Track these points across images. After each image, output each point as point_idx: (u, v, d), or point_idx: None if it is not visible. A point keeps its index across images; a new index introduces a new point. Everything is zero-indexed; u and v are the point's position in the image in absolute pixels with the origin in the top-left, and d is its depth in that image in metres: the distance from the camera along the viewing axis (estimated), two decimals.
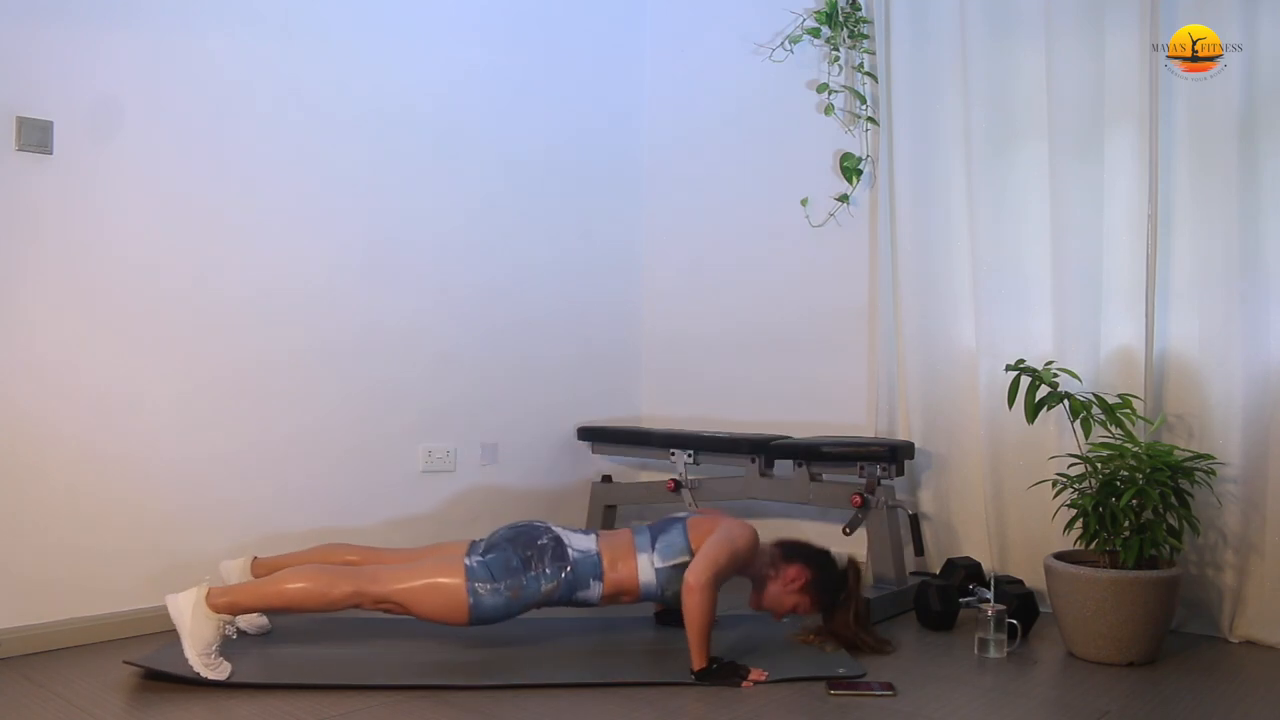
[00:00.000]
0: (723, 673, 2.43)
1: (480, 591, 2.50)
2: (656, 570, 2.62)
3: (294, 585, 2.43)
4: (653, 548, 2.64)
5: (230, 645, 2.46)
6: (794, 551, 2.73)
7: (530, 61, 3.88)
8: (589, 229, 4.11)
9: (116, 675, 2.42)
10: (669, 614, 2.92)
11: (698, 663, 2.43)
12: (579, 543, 2.65)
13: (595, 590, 2.62)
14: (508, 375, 3.79)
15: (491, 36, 3.75)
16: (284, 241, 3.16)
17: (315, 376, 3.23)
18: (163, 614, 2.38)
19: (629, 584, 2.62)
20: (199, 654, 2.32)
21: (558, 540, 2.62)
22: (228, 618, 2.38)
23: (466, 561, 2.54)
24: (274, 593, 2.43)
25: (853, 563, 2.75)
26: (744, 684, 2.41)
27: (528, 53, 3.88)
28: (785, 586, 2.68)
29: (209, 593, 2.37)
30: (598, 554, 2.63)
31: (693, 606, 2.43)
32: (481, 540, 2.68)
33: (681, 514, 2.77)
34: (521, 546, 2.59)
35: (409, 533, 3.46)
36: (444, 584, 2.50)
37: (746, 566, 2.63)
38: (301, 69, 3.19)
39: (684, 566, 2.56)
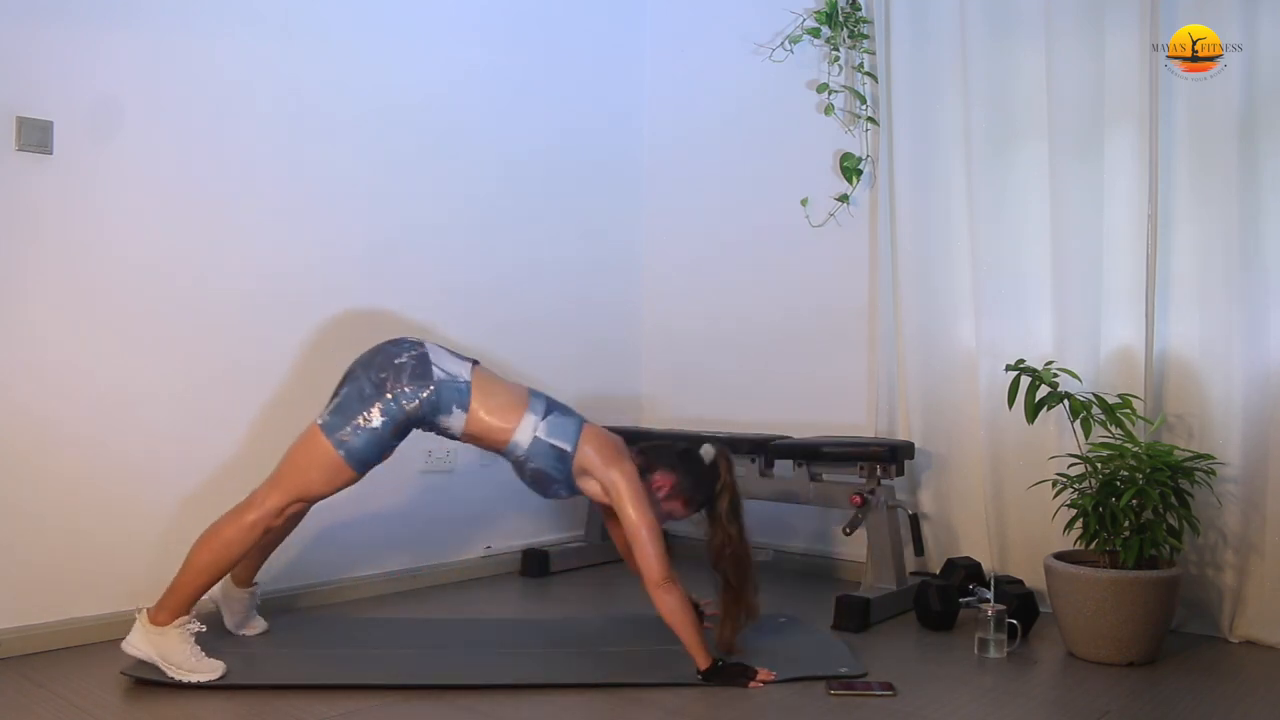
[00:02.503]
0: (730, 672, 2.41)
1: (345, 439, 2.39)
2: (535, 438, 2.48)
3: (202, 557, 2.37)
4: (544, 417, 2.51)
5: (228, 645, 2.47)
6: (655, 458, 2.59)
7: (530, 61, 3.88)
8: (589, 229, 4.12)
9: (116, 675, 2.41)
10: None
11: (701, 662, 2.41)
12: (449, 365, 2.49)
13: (457, 420, 2.47)
14: (508, 375, 3.78)
15: (491, 36, 3.76)
16: (284, 241, 3.16)
17: (315, 376, 3.22)
18: None
19: (498, 434, 2.48)
20: (179, 667, 2.31)
21: (421, 358, 2.46)
22: (183, 620, 2.35)
23: (319, 420, 2.43)
24: (191, 575, 2.36)
25: (721, 452, 2.61)
26: (751, 684, 2.40)
27: (528, 52, 3.88)
28: (654, 494, 2.54)
29: (147, 616, 2.35)
30: (467, 383, 2.48)
31: (668, 606, 2.38)
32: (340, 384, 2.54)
33: (576, 413, 2.60)
34: (376, 369, 2.44)
35: (409, 532, 3.47)
36: (312, 453, 2.40)
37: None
38: (301, 69, 3.19)
39: (561, 453, 2.47)
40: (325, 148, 3.26)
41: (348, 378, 2.51)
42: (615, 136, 4.25)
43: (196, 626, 2.39)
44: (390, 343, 2.53)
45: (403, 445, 3.43)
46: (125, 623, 2.73)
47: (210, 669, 2.34)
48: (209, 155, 2.99)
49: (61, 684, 2.38)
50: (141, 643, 2.34)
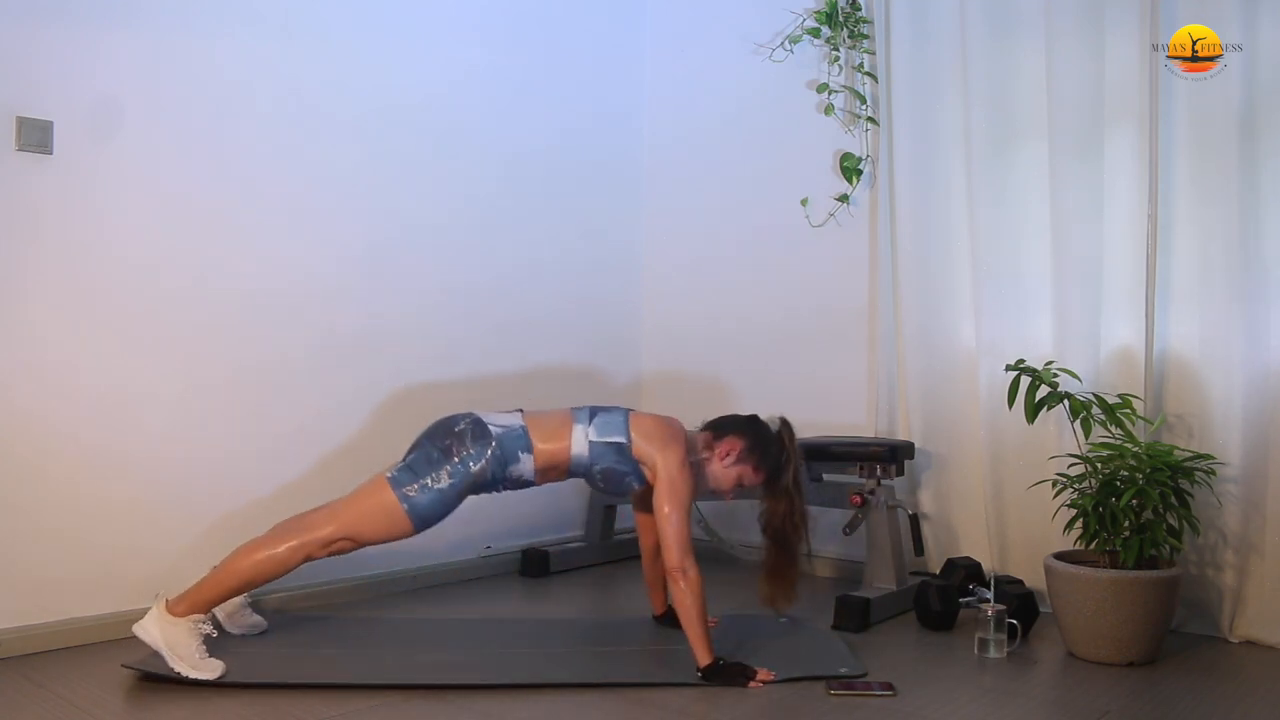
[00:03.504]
0: (730, 672, 2.42)
1: (411, 495, 2.48)
2: (590, 443, 2.57)
3: (243, 561, 2.43)
4: (590, 421, 2.60)
5: (226, 645, 2.47)
6: (722, 426, 2.68)
7: (530, 61, 3.88)
8: (589, 229, 4.12)
9: (116, 675, 2.42)
10: (670, 615, 2.92)
11: (703, 659, 2.42)
12: (501, 419, 2.60)
13: (527, 464, 2.57)
14: (508, 374, 3.79)
15: (491, 36, 3.76)
16: (284, 241, 3.16)
17: (315, 376, 3.23)
18: None
19: (561, 456, 2.58)
20: (183, 660, 2.33)
21: (476, 421, 2.57)
22: (198, 617, 2.38)
23: (388, 474, 2.52)
24: (228, 575, 2.42)
25: (784, 421, 2.71)
26: (751, 684, 2.40)
27: (528, 52, 3.88)
28: (723, 461, 2.64)
29: (166, 604, 2.38)
30: (524, 428, 2.58)
31: (681, 594, 2.42)
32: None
33: (621, 406, 2.71)
34: (439, 438, 2.56)
35: None
36: (376, 502, 2.48)
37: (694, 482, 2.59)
38: (301, 69, 3.19)
39: (618, 447, 2.56)
40: (325, 148, 3.26)
41: (414, 448, 2.60)
42: (615, 136, 4.25)
43: (209, 628, 2.42)
44: (445, 417, 2.64)
45: (403, 445, 3.45)
46: (125, 623, 2.73)
47: (211, 668, 2.34)
48: (209, 155, 2.99)
49: (61, 684, 2.38)
50: (153, 627, 2.35)
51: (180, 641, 2.34)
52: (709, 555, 3.47)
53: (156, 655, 2.36)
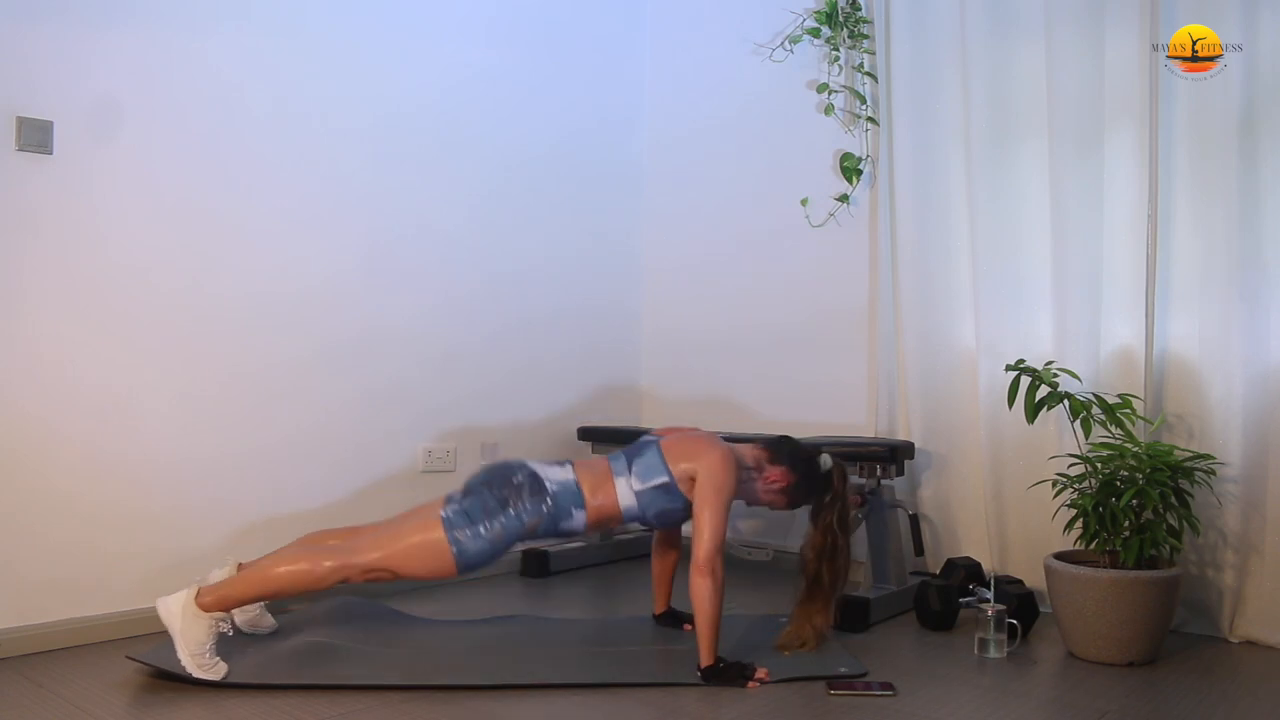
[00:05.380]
0: (730, 672, 2.42)
1: (461, 540, 2.48)
2: (636, 493, 2.59)
3: (280, 569, 2.44)
4: (630, 471, 2.61)
5: (230, 645, 2.47)
6: (781, 454, 2.68)
7: (530, 63, 3.88)
8: (589, 229, 4.12)
9: (116, 675, 2.42)
10: (669, 615, 2.92)
11: (706, 658, 2.42)
12: (556, 475, 2.60)
13: (579, 519, 2.59)
14: (508, 375, 3.79)
15: (492, 37, 3.76)
16: (285, 242, 3.16)
17: (315, 376, 3.23)
18: None
19: (610, 510, 2.60)
20: (192, 655, 2.33)
21: (533, 475, 2.58)
22: (220, 615, 2.39)
23: (443, 513, 2.51)
24: (261, 580, 2.43)
25: (838, 465, 2.71)
26: (749, 684, 2.40)
27: (528, 54, 3.88)
28: (765, 485, 2.66)
29: (198, 593, 2.38)
30: (576, 482, 2.59)
31: (701, 591, 2.41)
32: (457, 491, 2.62)
33: (652, 436, 2.73)
34: (497, 487, 2.55)
35: None
36: (425, 540, 2.47)
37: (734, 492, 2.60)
38: (302, 70, 3.19)
39: (664, 487, 2.56)
40: (325, 149, 3.26)
41: (469, 492, 2.58)
42: (615, 137, 4.25)
43: (226, 628, 2.42)
44: (501, 464, 2.65)
45: (403, 445, 3.47)
46: (125, 623, 2.75)
47: (215, 670, 2.35)
48: (210, 156, 2.99)
49: (61, 684, 2.38)
50: (177, 612, 2.35)
51: (195, 636, 2.34)
52: None
53: (166, 642, 2.37)
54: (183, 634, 2.34)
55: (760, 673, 2.43)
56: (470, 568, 2.52)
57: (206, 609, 2.36)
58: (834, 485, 2.68)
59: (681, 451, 2.60)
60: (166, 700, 2.28)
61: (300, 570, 2.43)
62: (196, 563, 2.84)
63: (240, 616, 2.68)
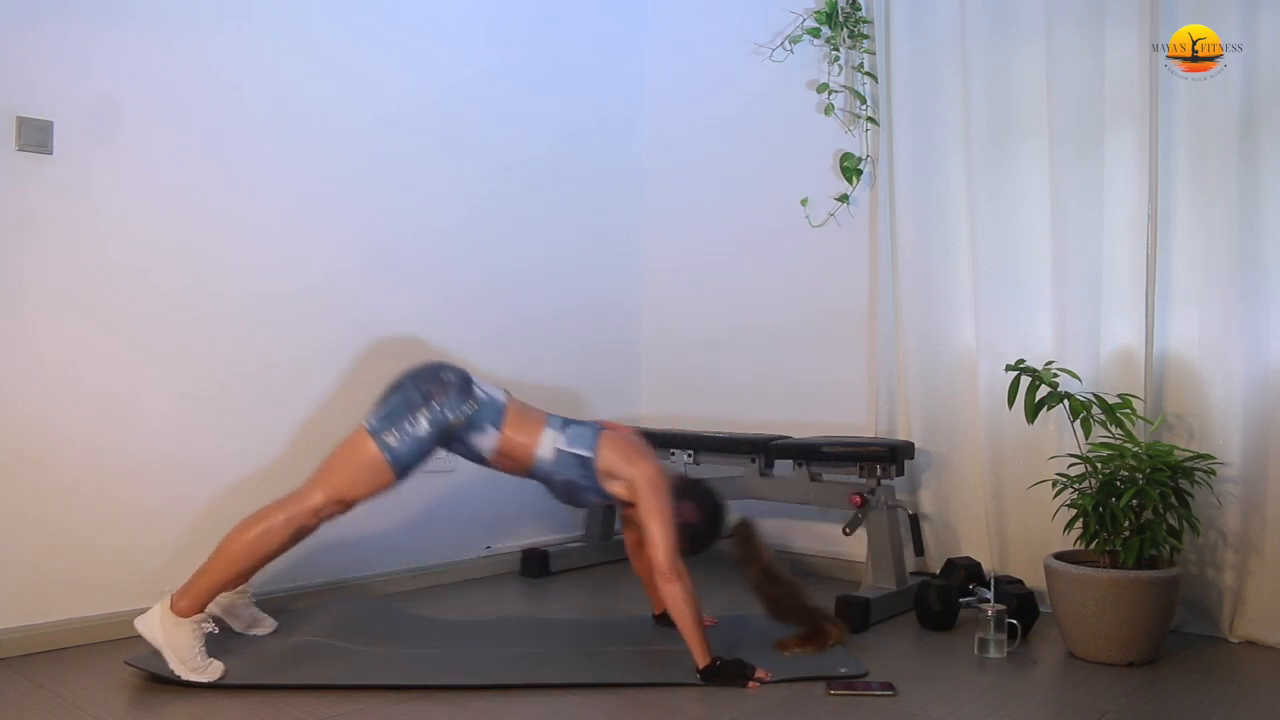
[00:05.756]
0: (729, 672, 2.42)
1: (391, 443, 2.47)
2: (558, 451, 2.58)
3: (236, 545, 2.41)
4: (562, 431, 2.62)
5: (230, 645, 2.47)
6: (691, 492, 2.69)
7: (531, 63, 3.88)
8: (589, 229, 4.12)
9: (116, 675, 2.42)
10: (668, 615, 2.92)
11: (701, 659, 2.42)
12: (488, 388, 2.62)
13: (490, 438, 2.57)
14: (508, 375, 3.78)
15: (492, 37, 3.76)
16: (285, 242, 3.16)
17: (315, 376, 3.23)
18: None
19: (524, 451, 2.59)
20: (183, 662, 2.32)
21: (465, 378, 2.58)
22: (200, 617, 2.37)
23: (367, 424, 2.51)
24: (223, 563, 2.40)
25: (741, 526, 2.76)
26: (749, 684, 2.40)
27: (528, 53, 3.88)
28: (675, 513, 2.63)
29: (171, 601, 2.37)
30: (503, 405, 2.60)
31: (673, 596, 2.42)
32: (382, 393, 2.61)
33: (597, 422, 2.73)
34: (424, 381, 2.55)
35: (409, 533, 3.47)
36: (358, 455, 2.47)
37: None
38: (302, 70, 3.19)
39: (584, 460, 2.57)
40: (325, 149, 3.26)
41: (395, 388, 2.58)
42: (615, 136, 4.25)
43: (210, 627, 2.41)
44: (436, 363, 2.65)
45: None
46: (125, 623, 2.74)
47: (210, 671, 2.34)
48: (210, 156, 2.99)
49: (61, 684, 2.38)
50: (156, 626, 2.35)
51: (181, 643, 2.33)
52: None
53: (158, 653, 2.36)
54: (169, 645, 2.33)
55: (760, 673, 2.43)
56: (405, 469, 2.51)
57: (184, 614, 2.35)
58: (740, 549, 2.73)
59: (616, 449, 2.60)
60: (166, 700, 2.28)
61: (256, 534, 2.41)
62: (196, 563, 2.83)
63: (229, 614, 2.66)
